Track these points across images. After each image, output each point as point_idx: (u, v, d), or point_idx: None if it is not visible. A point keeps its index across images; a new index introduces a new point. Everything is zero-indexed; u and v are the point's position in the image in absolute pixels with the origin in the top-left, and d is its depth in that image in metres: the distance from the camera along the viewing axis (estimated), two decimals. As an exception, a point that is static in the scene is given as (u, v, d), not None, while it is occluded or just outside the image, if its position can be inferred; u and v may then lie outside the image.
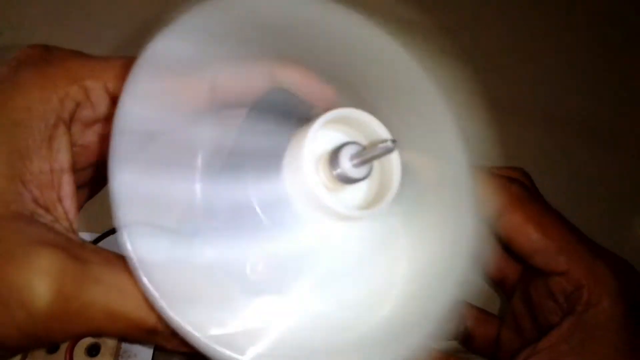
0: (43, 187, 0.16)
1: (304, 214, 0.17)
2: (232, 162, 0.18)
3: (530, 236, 0.24)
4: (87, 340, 0.30)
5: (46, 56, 0.17)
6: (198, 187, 0.17)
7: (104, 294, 0.15)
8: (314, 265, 0.17)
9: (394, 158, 0.17)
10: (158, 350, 0.31)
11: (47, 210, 0.16)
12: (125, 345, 0.31)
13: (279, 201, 0.17)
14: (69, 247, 0.15)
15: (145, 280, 0.14)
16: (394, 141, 0.16)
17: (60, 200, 0.17)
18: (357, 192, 0.18)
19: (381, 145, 0.16)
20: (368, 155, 0.16)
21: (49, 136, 0.16)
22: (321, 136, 0.17)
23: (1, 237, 0.14)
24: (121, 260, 0.15)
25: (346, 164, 0.16)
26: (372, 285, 0.18)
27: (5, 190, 0.15)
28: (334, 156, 0.16)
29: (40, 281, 0.14)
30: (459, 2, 0.55)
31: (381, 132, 0.17)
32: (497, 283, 0.30)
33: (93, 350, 0.30)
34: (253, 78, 0.18)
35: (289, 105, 0.18)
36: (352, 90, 0.20)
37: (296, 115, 0.18)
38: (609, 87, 0.49)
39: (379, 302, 0.18)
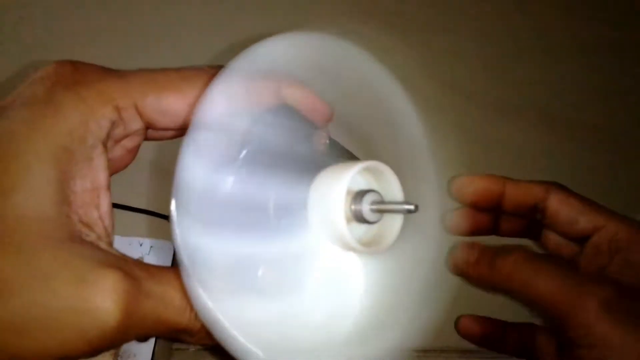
0: (86, 206, 0.17)
1: (315, 228, 0.20)
2: (260, 161, 0.20)
3: (573, 206, 0.27)
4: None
5: (78, 77, 0.18)
6: (231, 179, 0.19)
7: (154, 306, 0.17)
8: (309, 273, 0.20)
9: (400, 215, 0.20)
10: (157, 349, 0.31)
11: (90, 228, 0.17)
12: (124, 345, 0.31)
13: (295, 208, 0.19)
14: (123, 267, 0.17)
15: (200, 290, 0.17)
16: (416, 207, 0.19)
17: (100, 217, 0.18)
18: (359, 228, 0.20)
19: (404, 206, 0.19)
20: (387, 207, 0.19)
21: (89, 157, 0.18)
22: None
23: (66, 261, 0.16)
24: (159, 271, 0.18)
25: (366, 207, 0.19)
26: (343, 300, 0.21)
27: (58, 215, 0.16)
28: (358, 196, 0.19)
29: (111, 302, 0.16)
30: (459, 2, 0.55)
31: (397, 190, 0.20)
32: None
33: (93, 350, 0.31)
34: (264, 92, 0.20)
35: (293, 119, 0.21)
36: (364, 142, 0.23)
37: (300, 128, 0.21)
38: (609, 88, 0.49)
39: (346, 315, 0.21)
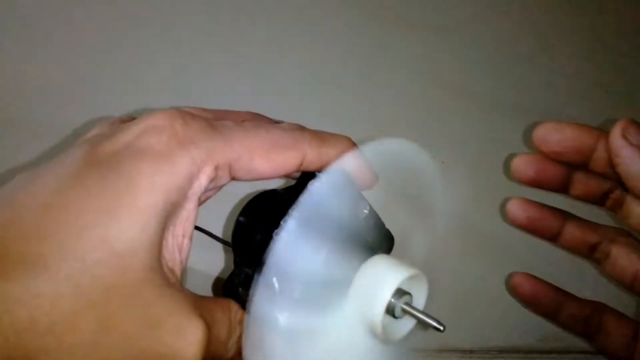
0: (172, 251, 0.19)
1: (350, 306, 0.22)
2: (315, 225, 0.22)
3: None
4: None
5: (189, 133, 0.19)
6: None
7: (214, 348, 0.19)
8: (334, 344, 0.22)
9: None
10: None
11: (172, 272, 0.19)
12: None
13: (339, 283, 0.22)
14: (202, 312, 0.19)
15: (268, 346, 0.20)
16: (444, 328, 0.21)
17: (181, 261, 0.20)
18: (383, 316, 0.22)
19: (434, 323, 0.21)
20: (419, 315, 0.22)
21: (186, 209, 0.20)
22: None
23: (169, 310, 0.18)
24: (213, 305, 0.20)
25: (399, 305, 0.22)
26: None
27: (159, 264, 0.18)
28: (397, 294, 0.22)
29: (198, 353, 0.18)
30: (459, 2, 0.55)
31: (424, 298, 0.23)
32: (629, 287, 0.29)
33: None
34: (331, 153, 0.23)
35: (347, 181, 0.23)
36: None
37: (350, 193, 0.24)
38: (609, 88, 0.49)
39: None
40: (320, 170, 0.23)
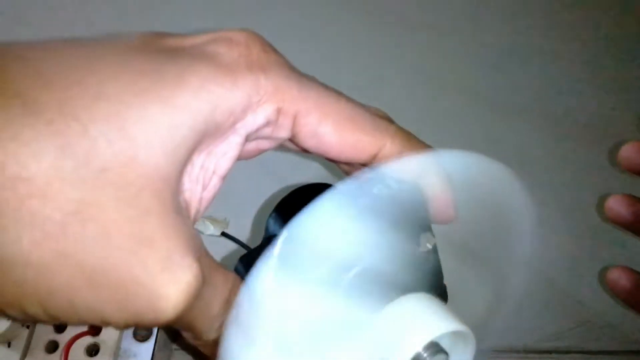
0: (195, 183, 0.17)
1: (369, 348, 0.18)
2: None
3: None
4: (87, 341, 0.30)
5: (264, 61, 0.17)
6: None
7: (199, 310, 0.16)
8: None
9: None
10: (157, 349, 0.31)
11: (187, 205, 0.16)
12: (124, 345, 0.31)
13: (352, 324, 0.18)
14: (201, 259, 0.16)
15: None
16: None
17: (200, 200, 0.17)
18: None
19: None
20: None
21: (227, 141, 0.17)
22: None
23: (167, 234, 0.14)
24: (219, 274, 0.17)
25: (425, 357, 0.17)
26: None
27: (176, 182, 0.15)
28: (429, 348, 0.17)
29: (182, 298, 0.14)
30: (460, 2, 0.55)
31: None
32: None
33: (93, 350, 0.31)
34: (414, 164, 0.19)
35: (419, 202, 0.19)
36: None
37: (415, 218, 0.19)
38: (610, 88, 0.49)
39: None
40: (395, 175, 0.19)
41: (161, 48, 0.16)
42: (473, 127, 0.46)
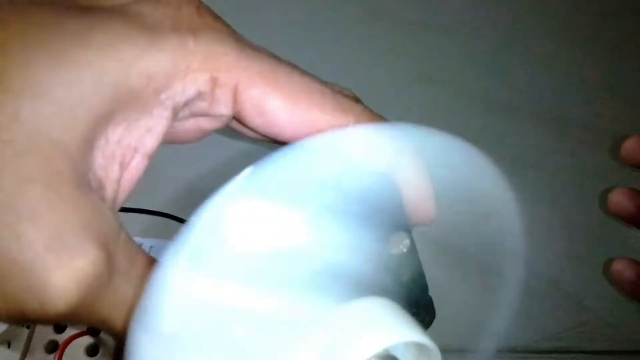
0: (110, 159, 0.14)
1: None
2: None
3: None
4: (87, 341, 0.30)
5: (197, 27, 0.15)
6: None
7: (109, 305, 0.13)
8: None
9: None
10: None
11: (100, 185, 0.14)
12: (124, 345, 0.31)
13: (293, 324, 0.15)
14: (109, 245, 0.13)
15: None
16: None
17: (118, 181, 0.15)
18: None
19: None
20: None
21: (149, 113, 0.14)
22: None
23: (57, 209, 0.12)
24: (139, 264, 0.14)
25: None
26: None
27: (79, 152, 0.13)
28: (382, 357, 0.14)
29: (75, 286, 0.12)
30: (459, 2, 0.55)
31: None
32: None
33: (92, 350, 0.31)
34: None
35: (392, 196, 0.16)
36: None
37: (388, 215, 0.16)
38: (610, 87, 0.49)
39: None
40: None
41: (75, 5, 0.14)
42: (473, 127, 0.46)
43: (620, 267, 0.28)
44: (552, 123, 0.46)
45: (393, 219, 0.16)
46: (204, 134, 0.17)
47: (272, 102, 0.15)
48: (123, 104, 0.14)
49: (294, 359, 0.14)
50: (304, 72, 0.16)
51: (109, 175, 0.14)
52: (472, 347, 0.18)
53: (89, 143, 0.13)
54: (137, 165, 0.15)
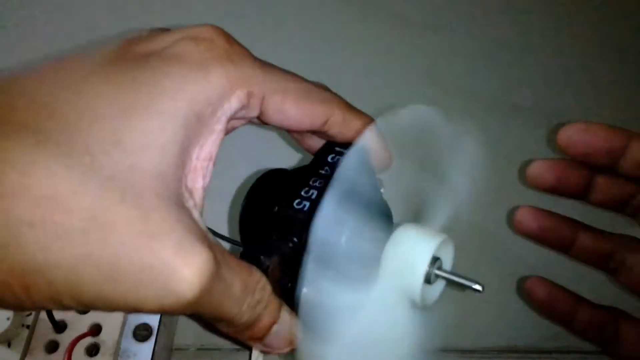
0: (194, 173, 0.18)
1: (385, 281, 0.22)
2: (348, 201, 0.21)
3: None
4: (87, 341, 0.30)
5: (230, 53, 0.19)
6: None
7: (221, 292, 0.18)
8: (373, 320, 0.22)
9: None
10: (157, 349, 0.31)
11: (191, 195, 0.18)
12: (124, 345, 0.31)
13: (372, 259, 0.22)
14: (211, 245, 0.17)
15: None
16: (483, 289, 0.21)
17: (202, 188, 0.19)
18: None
19: (473, 285, 0.21)
20: (456, 279, 0.22)
21: (212, 130, 0.19)
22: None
23: (171, 226, 0.16)
24: (232, 258, 0.19)
25: (434, 272, 0.22)
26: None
27: (173, 178, 0.17)
28: (431, 262, 0.22)
29: (197, 280, 0.16)
30: (459, 2, 0.55)
31: (451, 260, 0.24)
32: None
33: (93, 350, 0.31)
34: (355, 122, 0.24)
35: (368, 158, 0.24)
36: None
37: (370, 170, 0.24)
38: (610, 87, 0.49)
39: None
40: (341, 137, 0.24)
41: (134, 57, 0.18)
42: (473, 127, 0.46)
43: (532, 285, 0.30)
44: (552, 123, 0.46)
45: (372, 169, 0.24)
46: (234, 129, 0.23)
47: (287, 105, 0.21)
48: (195, 130, 0.18)
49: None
50: (301, 78, 0.22)
51: (195, 185, 0.18)
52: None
53: (180, 168, 0.18)
54: (209, 171, 0.19)
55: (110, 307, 0.16)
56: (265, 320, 0.20)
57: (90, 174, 0.15)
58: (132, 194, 0.16)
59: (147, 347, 0.31)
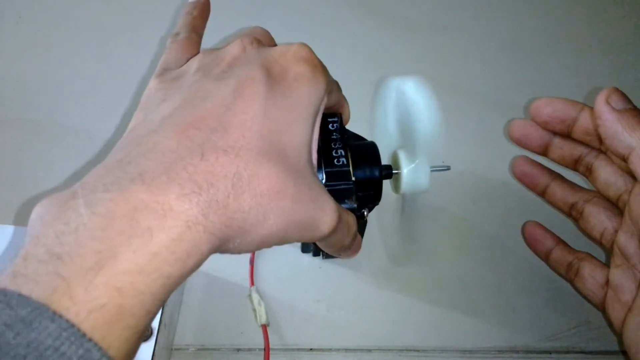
0: (314, 143, 0.25)
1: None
2: None
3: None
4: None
5: (323, 67, 0.26)
6: None
7: (343, 229, 0.25)
8: None
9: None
10: (157, 349, 0.31)
11: (310, 163, 0.25)
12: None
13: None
14: (330, 197, 0.25)
15: None
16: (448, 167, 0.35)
17: (315, 159, 0.25)
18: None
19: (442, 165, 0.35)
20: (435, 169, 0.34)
21: (319, 117, 0.26)
22: None
23: (319, 185, 0.24)
24: (347, 212, 0.27)
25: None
26: None
27: (310, 155, 0.24)
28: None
29: (331, 220, 0.24)
30: (459, 1, 0.55)
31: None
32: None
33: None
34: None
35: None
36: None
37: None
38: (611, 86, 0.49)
39: None
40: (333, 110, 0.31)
41: (276, 80, 0.24)
42: (472, 126, 0.46)
43: (531, 229, 0.38)
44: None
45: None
46: None
47: (332, 98, 0.29)
48: (315, 117, 0.25)
49: None
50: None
51: (313, 155, 0.25)
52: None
53: (311, 152, 0.25)
54: (316, 146, 0.26)
55: (281, 244, 0.23)
56: (358, 239, 0.29)
57: (278, 159, 0.22)
58: (303, 175, 0.23)
59: (147, 347, 0.31)
